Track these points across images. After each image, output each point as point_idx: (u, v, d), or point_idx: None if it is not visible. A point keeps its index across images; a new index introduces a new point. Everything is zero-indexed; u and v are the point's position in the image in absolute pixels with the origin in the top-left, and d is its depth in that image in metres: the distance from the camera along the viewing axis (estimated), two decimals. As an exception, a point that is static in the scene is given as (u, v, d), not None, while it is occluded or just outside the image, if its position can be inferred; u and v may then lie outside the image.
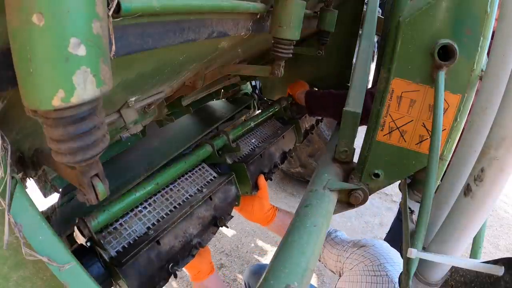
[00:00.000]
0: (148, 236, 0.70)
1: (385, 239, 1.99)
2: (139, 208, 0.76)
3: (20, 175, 0.53)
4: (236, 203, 1.00)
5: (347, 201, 0.79)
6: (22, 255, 0.39)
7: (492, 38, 0.57)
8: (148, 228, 0.73)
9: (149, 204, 0.78)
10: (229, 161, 1.05)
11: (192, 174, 0.93)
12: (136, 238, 0.70)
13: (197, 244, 0.81)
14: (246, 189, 1.09)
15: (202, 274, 0.95)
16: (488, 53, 0.59)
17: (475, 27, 0.58)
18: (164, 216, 0.77)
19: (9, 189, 0.39)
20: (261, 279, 0.53)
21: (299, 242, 0.59)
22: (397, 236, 1.86)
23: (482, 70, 0.61)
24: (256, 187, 1.12)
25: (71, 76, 0.28)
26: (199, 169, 0.96)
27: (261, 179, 1.12)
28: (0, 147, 0.38)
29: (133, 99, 0.75)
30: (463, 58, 0.60)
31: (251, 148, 1.18)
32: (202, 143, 0.99)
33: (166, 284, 0.72)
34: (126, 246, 0.67)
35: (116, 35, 0.38)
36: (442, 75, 0.61)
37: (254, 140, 1.23)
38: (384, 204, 3.16)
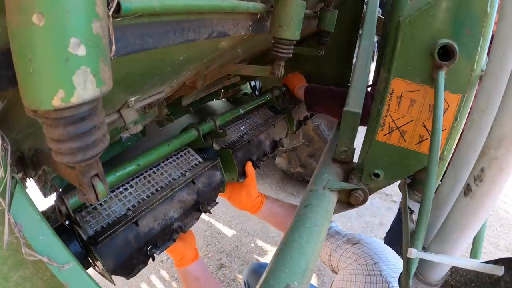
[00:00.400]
0: (126, 217, 0.69)
1: (385, 239, 1.99)
2: (120, 189, 0.75)
3: (20, 175, 0.53)
4: (222, 189, 0.98)
5: (347, 201, 0.79)
6: (22, 255, 0.39)
7: (491, 42, 0.57)
8: (128, 209, 0.72)
9: (131, 186, 0.77)
10: (216, 147, 1.04)
11: (176, 158, 0.92)
12: (115, 219, 0.69)
13: (177, 228, 0.80)
14: (232, 175, 1.07)
15: (185, 260, 0.94)
16: (488, 53, 0.59)
17: (475, 27, 0.58)
18: (145, 198, 0.76)
19: (9, 189, 0.39)
20: (261, 279, 0.53)
21: (299, 242, 0.59)
22: (397, 236, 1.86)
23: (482, 70, 0.61)
24: (243, 174, 1.12)
25: (71, 76, 0.28)
26: (184, 153, 0.95)
27: (249, 166, 1.11)
28: (0, 147, 0.38)
29: (133, 99, 0.75)
30: (463, 58, 0.60)
31: (240, 135, 1.17)
32: (188, 127, 0.98)
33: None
34: (105, 226, 0.67)
35: (116, 35, 0.38)
36: (442, 75, 0.61)
37: (243, 127, 1.21)
38: (384, 204, 3.16)
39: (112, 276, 0.66)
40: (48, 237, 0.42)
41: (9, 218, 0.38)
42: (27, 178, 0.67)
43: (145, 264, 0.73)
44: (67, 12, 0.27)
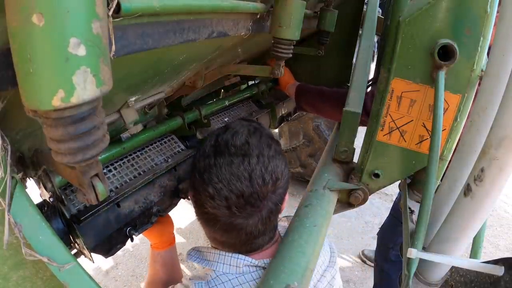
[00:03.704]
0: (109, 197, 0.71)
1: (378, 234, 2.00)
2: (104, 171, 0.77)
3: (20, 175, 0.53)
4: None
5: (347, 201, 0.79)
6: (22, 255, 0.39)
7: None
8: (111, 190, 0.74)
9: (115, 168, 0.80)
10: (199, 136, 1.07)
11: (160, 144, 0.95)
12: None
13: (156, 212, 0.82)
14: None
15: (162, 244, 0.99)
16: (488, 53, 0.59)
17: (475, 27, 0.58)
18: (128, 180, 0.79)
19: (9, 189, 0.39)
20: (261, 279, 0.53)
21: (299, 242, 0.59)
22: (388, 233, 1.86)
23: (482, 70, 0.61)
24: None
25: (71, 76, 0.28)
26: (168, 140, 0.98)
27: None
28: (0, 147, 0.38)
29: (133, 99, 0.75)
30: (463, 58, 0.60)
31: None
32: (173, 114, 1.01)
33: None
34: (88, 205, 0.68)
35: (116, 35, 0.38)
36: (442, 75, 0.61)
37: (227, 119, 1.25)
38: (384, 204, 3.16)
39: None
40: (48, 237, 0.42)
41: (9, 218, 0.38)
42: (27, 178, 0.67)
43: (124, 244, 0.76)
44: (67, 12, 0.27)
